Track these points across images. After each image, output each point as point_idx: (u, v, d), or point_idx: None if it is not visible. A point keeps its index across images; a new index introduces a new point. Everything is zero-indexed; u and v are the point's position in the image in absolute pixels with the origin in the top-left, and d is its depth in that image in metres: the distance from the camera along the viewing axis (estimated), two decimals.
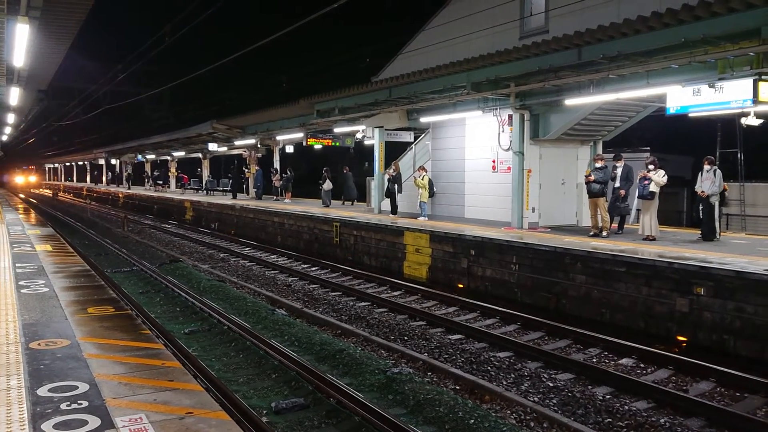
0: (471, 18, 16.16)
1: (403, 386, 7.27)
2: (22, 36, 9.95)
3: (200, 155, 38.54)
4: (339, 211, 20.61)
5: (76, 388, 4.59)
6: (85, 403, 4.29)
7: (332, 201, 23.62)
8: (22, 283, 8.76)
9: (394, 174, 18.67)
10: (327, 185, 23.39)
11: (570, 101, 12.84)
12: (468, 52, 14.09)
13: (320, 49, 53.51)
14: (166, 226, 28.50)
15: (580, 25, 11.44)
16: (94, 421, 4.00)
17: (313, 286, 14.15)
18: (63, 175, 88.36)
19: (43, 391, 4.51)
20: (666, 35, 9.84)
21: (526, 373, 8.05)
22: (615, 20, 10.40)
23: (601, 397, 7.17)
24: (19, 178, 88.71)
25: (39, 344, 5.70)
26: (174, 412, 4.19)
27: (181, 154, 40.82)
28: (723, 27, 9.18)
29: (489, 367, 8.32)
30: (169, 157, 44.19)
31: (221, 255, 19.15)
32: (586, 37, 10.89)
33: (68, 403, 4.30)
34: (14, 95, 17.71)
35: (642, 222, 12.56)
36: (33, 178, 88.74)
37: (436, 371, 8.12)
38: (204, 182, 38.29)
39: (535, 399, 7.20)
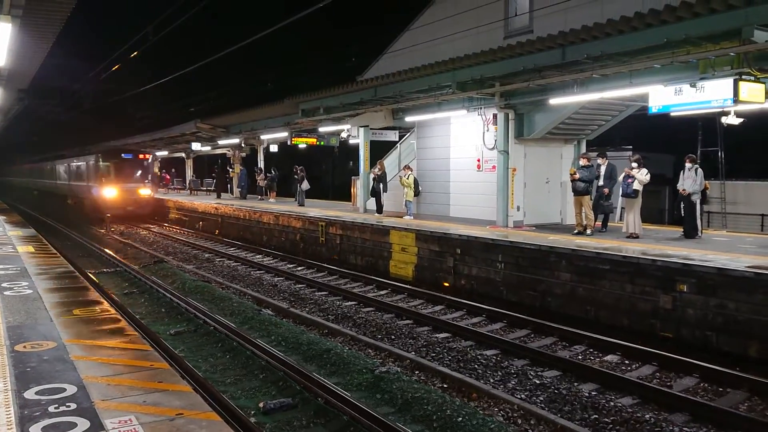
0: (456, 17, 16.23)
1: (391, 385, 7.29)
2: (3, 35, 9.79)
3: (183, 155, 38.23)
4: (323, 210, 20.58)
5: (64, 390, 4.56)
6: (73, 406, 4.27)
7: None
8: (4, 285, 8.65)
9: (379, 173, 18.66)
10: (305, 185, 23.45)
11: (554, 101, 12.93)
12: (453, 52, 14.14)
13: (305, 48, 53.32)
14: (150, 226, 28.25)
15: (564, 25, 11.54)
16: (83, 424, 3.98)
17: (299, 285, 14.12)
18: None
19: (30, 394, 4.48)
20: (649, 35, 9.96)
21: (512, 371, 8.11)
22: (599, 20, 10.50)
23: (587, 394, 7.25)
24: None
25: (24, 346, 5.65)
26: (164, 414, 4.19)
27: (164, 153, 40.44)
28: (704, 27, 9.31)
29: (476, 365, 8.37)
30: None
31: (206, 255, 19.03)
32: (570, 37, 10.99)
33: (56, 405, 4.27)
34: None
35: (626, 220, 12.70)
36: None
37: (423, 369, 8.15)
38: (188, 182, 37.96)
39: (522, 396, 7.26)
